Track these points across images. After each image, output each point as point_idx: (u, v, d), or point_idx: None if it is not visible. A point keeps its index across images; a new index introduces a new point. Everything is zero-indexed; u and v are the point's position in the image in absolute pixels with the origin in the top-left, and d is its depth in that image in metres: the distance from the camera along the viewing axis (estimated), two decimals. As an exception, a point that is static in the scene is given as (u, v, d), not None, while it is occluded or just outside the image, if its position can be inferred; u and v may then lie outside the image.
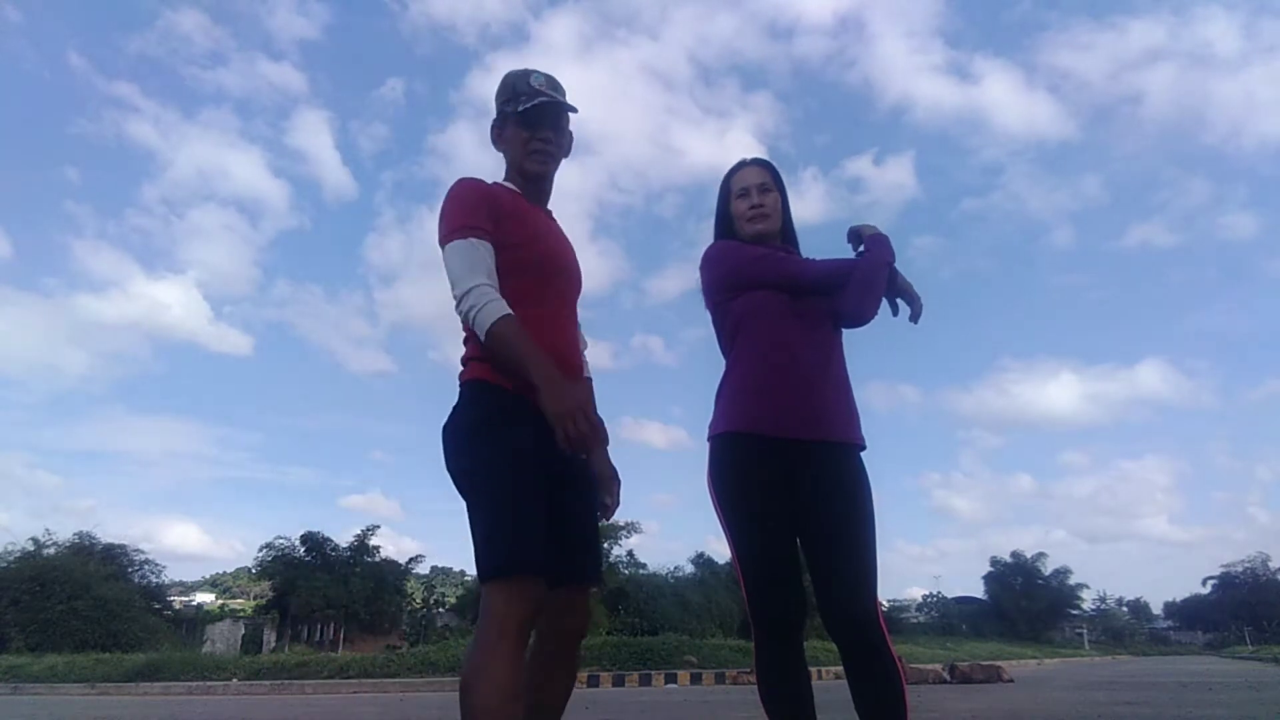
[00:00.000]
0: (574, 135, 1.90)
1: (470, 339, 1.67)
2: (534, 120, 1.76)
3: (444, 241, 1.65)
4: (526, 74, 1.79)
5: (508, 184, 1.80)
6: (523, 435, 1.55)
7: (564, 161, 1.88)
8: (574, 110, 1.82)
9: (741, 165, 2.08)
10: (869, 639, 1.71)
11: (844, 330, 2.00)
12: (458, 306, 1.61)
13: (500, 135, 1.83)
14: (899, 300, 2.02)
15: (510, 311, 1.56)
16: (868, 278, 1.91)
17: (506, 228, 1.67)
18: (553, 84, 1.80)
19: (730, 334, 1.98)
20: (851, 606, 1.72)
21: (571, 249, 1.84)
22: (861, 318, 1.94)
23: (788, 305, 1.92)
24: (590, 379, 1.88)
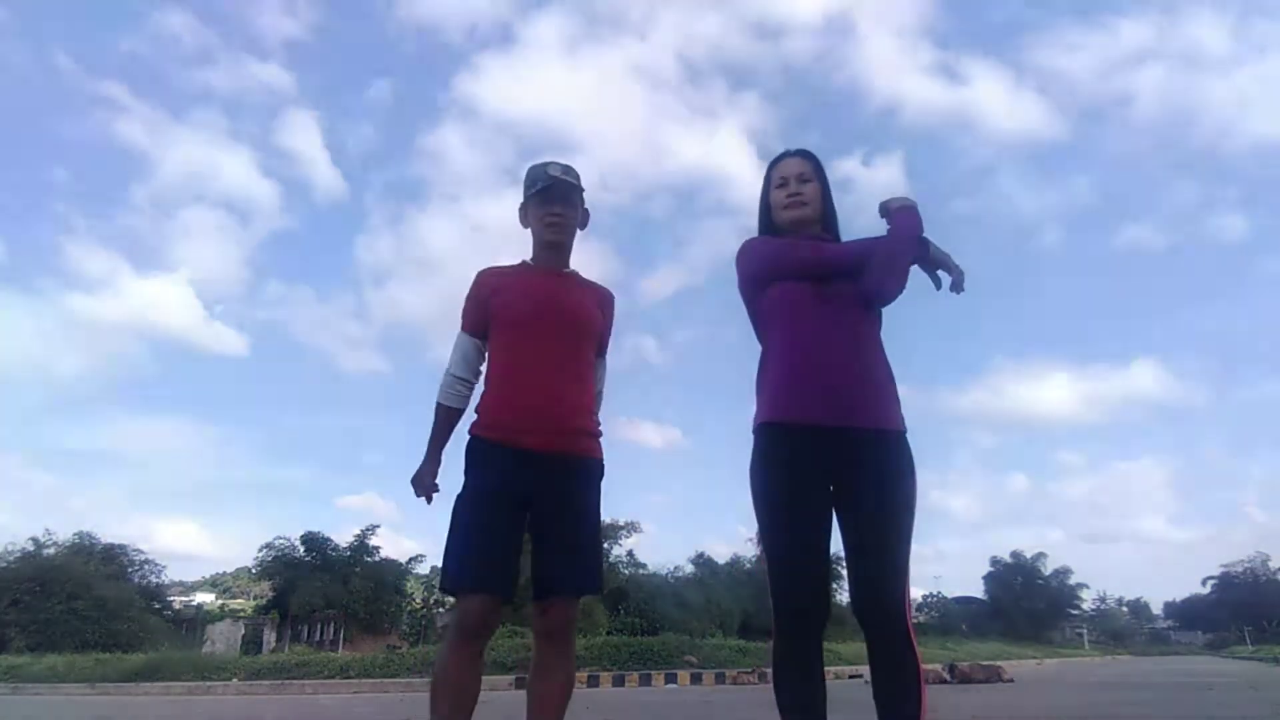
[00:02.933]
0: (589, 213, 2.24)
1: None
2: (547, 198, 2.11)
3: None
4: (545, 165, 2.14)
5: (526, 260, 2.17)
6: (490, 477, 1.94)
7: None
8: (582, 189, 2.16)
9: (784, 156, 2.09)
10: (895, 627, 1.73)
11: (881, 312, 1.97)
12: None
13: (525, 215, 2.18)
14: (939, 272, 1.97)
15: (442, 401, 2.11)
16: (889, 256, 1.89)
17: (496, 300, 2.07)
18: (567, 171, 2.14)
19: (763, 326, 1.99)
20: (882, 592, 1.74)
21: (570, 300, 2.11)
22: (884, 297, 1.92)
23: (814, 292, 1.91)
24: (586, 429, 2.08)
